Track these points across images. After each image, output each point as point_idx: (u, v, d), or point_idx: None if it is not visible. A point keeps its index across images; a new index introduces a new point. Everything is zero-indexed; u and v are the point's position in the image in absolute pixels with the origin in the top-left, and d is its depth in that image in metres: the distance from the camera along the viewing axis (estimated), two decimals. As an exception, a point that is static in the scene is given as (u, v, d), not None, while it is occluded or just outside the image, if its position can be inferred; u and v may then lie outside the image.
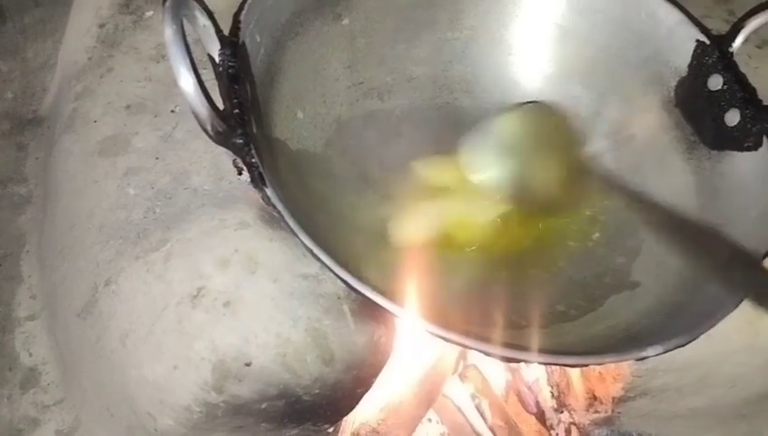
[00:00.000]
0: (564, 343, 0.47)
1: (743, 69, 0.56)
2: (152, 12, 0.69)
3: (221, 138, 0.41)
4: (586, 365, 0.55)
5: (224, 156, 0.56)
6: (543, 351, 0.40)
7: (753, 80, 0.64)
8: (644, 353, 0.41)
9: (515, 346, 0.40)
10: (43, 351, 0.65)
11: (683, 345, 0.42)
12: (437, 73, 0.63)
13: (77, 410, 0.62)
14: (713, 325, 0.43)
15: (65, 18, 0.77)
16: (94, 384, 0.59)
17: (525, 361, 0.40)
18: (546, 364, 0.49)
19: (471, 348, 0.40)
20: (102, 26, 0.69)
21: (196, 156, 0.58)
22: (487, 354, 0.40)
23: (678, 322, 0.45)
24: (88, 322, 0.55)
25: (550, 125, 0.61)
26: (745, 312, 0.53)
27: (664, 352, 0.41)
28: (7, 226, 0.71)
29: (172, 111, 0.62)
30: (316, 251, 0.40)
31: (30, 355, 0.65)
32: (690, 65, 0.56)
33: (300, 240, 0.40)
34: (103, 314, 0.53)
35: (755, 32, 0.54)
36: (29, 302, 0.67)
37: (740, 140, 0.52)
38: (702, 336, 0.48)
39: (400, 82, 0.62)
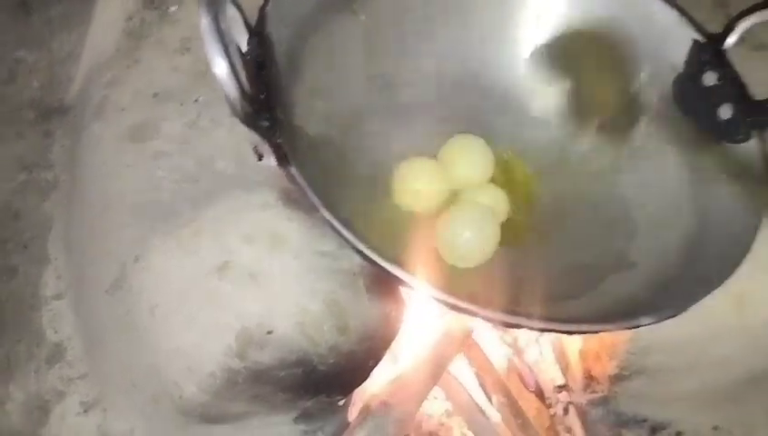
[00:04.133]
0: (567, 317, 0.50)
1: (739, 70, 0.59)
2: (176, 7, 0.73)
3: (249, 120, 0.45)
4: (583, 332, 0.58)
5: (245, 143, 0.59)
6: (543, 317, 0.44)
7: (749, 80, 0.68)
8: (636, 322, 0.44)
9: (516, 312, 0.44)
10: (68, 328, 0.68)
11: (673, 316, 0.45)
12: (451, 70, 0.66)
13: (101, 383, 0.65)
14: (702, 298, 0.46)
15: (88, 11, 0.80)
16: (119, 358, 0.62)
17: (525, 327, 0.44)
18: (544, 331, 0.52)
19: (476, 314, 0.44)
20: (128, 20, 0.72)
21: (220, 143, 0.62)
22: (491, 321, 0.44)
23: (670, 297, 0.48)
24: (117, 298, 0.58)
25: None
26: (733, 293, 0.57)
27: (656, 322, 0.44)
28: (34, 210, 0.74)
29: (196, 100, 0.65)
30: (335, 223, 0.44)
31: (56, 332, 0.68)
32: (686, 62, 0.60)
33: (322, 213, 0.44)
34: (133, 289, 0.56)
35: (752, 34, 0.57)
36: (55, 282, 0.70)
37: (732, 132, 0.56)
38: (693, 317, 0.52)
39: (415, 77, 0.65)
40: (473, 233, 0.54)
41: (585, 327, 0.46)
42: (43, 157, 0.77)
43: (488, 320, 0.45)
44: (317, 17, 0.58)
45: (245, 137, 0.45)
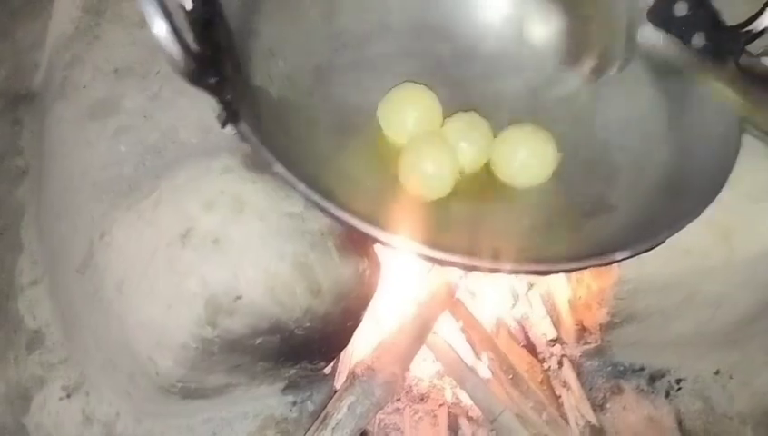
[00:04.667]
0: (552, 257, 0.48)
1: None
2: (133, -20, 0.71)
3: (194, 78, 0.43)
4: (559, 271, 0.56)
5: (208, 112, 0.58)
6: (516, 259, 0.42)
7: (726, 8, 0.65)
8: (611, 257, 0.43)
9: (495, 258, 0.42)
10: (46, 313, 0.67)
11: (649, 249, 0.44)
12: (413, 20, 0.64)
13: (81, 366, 0.64)
14: (680, 229, 0.44)
15: (52, -1, 0.79)
16: (96, 339, 0.61)
17: (505, 271, 0.42)
18: (518, 273, 0.51)
19: (451, 263, 0.42)
20: (86, -4, 0.70)
21: (183, 113, 0.60)
22: (469, 268, 0.42)
23: (649, 234, 0.47)
24: (86, 277, 0.57)
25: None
26: (720, 227, 0.56)
27: (632, 256, 0.43)
28: (6, 198, 0.73)
29: (158, 73, 0.64)
30: (291, 178, 0.42)
31: (34, 318, 0.67)
32: (657, -7, 0.58)
33: (276, 169, 0.42)
34: (100, 266, 0.55)
35: None
36: (31, 269, 0.69)
37: (707, 60, 0.54)
38: (678, 254, 0.50)
39: (378, 30, 0.63)
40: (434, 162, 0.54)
41: (560, 266, 0.45)
42: (12, 145, 0.76)
43: (461, 266, 0.44)
44: (272, -27, 0.56)
45: (209, 105, 0.44)
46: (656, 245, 0.44)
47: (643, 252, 0.43)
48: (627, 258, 0.43)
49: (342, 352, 0.64)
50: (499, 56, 0.64)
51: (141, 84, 0.63)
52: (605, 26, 0.61)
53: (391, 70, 0.62)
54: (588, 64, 0.61)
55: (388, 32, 0.64)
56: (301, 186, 0.43)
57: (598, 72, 0.61)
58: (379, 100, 0.60)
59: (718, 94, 0.54)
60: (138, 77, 0.64)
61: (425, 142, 0.57)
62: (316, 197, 0.43)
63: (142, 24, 0.67)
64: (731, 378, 0.72)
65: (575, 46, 0.62)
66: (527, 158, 0.56)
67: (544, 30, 0.63)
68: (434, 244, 0.42)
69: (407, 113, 0.57)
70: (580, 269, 0.47)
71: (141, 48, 0.66)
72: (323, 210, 0.43)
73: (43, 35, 0.80)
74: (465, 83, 0.62)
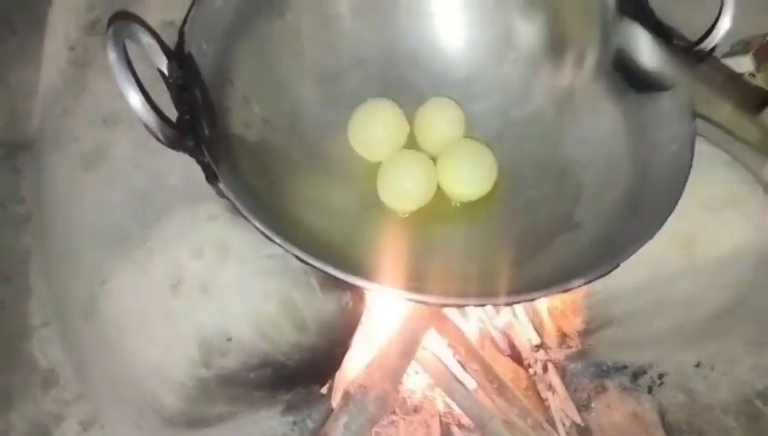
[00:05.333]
0: (511, 286, 0.52)
1: (686, 6, 0.63)
2: (115, 29, 0.74)
3: (174, 143, 0.47)
4: (514, 303, 0.59)
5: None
6: (477, 294, 0.46)
7: (697, 15, 0.68)
8: (568, 285, 0.46)
9: (454, 294, 0.46)
10: (58, 353, 0.71)
11: (605, 274, 0.47)
12: (384, 51, 0.67)
13: (94, 402, 0.68)
14: (631, 255, 0.47)
15: (42, 45, 0.82)
16: (105, 377, 0.65)
17: (460, 306, 0.46)
18: (480, 305, 0.54)
19: (419, 301, 0.46)
20: (72, 49, 0.74)
21: (170, 160, 0.63)
22: (438, 305, 0.46)
23: (609, 254, 0.50)
24: (92, 321, 0.61)
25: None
26: (681, 237, 0.59)
27: (588, 282, 0.46)
28: (13, 244, 0.77)
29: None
30: (268, 232, 0.46)
31: (47, 359, 0.71)
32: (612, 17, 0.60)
33: (253, 224, 0.46)
34: (102, 312, 0.59)
35: None
36: (40, 311, 0.73)
37: (659, 81, 0.57)
38: (642, 264, 0.53)
39: (350, 65, 0.66)
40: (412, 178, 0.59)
41: (521, 297, 0.48)
42: (14, 193, 0.79)
43: (433, 304, 0.47)
44: (242, 26, 0.59)
45: None
46: (610, 271, 0.47)
47: (596, 279, 0.46)
48: (582, 285, 0.46)
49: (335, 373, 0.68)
50: (469, 81, 0.67)
51: (129, 133, 0.66)
52: (580, 24, 0.64)
53: (365, 100, 0.65)
54: (568, 60, 0.64)
55: (360, 65, 0.66)
56: (278, 239, 0.46)
57: (578, 66, 0.63)
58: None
59: (683, 90, 0.56)
60: (126, 126, 0.67)
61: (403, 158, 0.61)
62: (294, 250, 0.45)
63: (127, 72, 0.72)
64: (712, 369, 0.75)
65: (554, 43, 0.65)
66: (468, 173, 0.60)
67: (511, 53, 0.67)
68: (407, 287, 0.45)
69: (375, 129, 0.62)
70: (537, 298, 0.49)
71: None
72: (301, 261, 0.46)
73: (35, 82, 0.83)
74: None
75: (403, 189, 0.59)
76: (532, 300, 0.47)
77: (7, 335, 0.72)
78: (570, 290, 0.46)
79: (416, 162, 0.61)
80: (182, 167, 0.62)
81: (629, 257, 0.48)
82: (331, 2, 0.65)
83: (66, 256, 0.66)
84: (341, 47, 0.66)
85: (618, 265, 0.47)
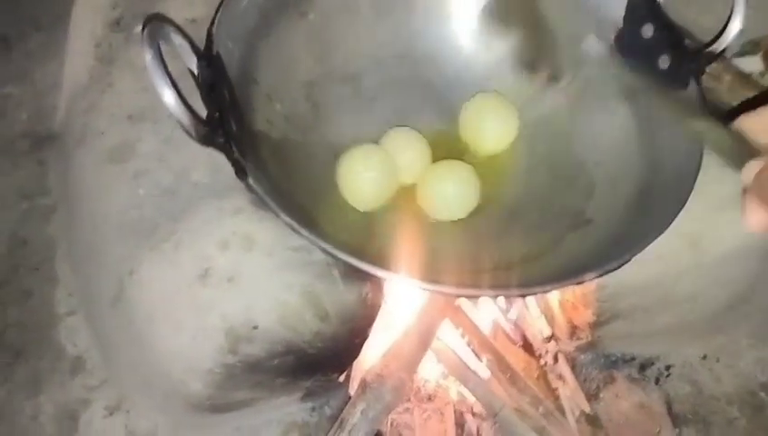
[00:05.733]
0: (526, 280, 0.54)
1: (695, 8, 0.63)
2: (140, 27, 0.76)
3: (205, 139, 0.49)
4: (529, 294, 0.61)
5: (218, 153, 0.64)
6: (494, 286, 0.48)
7: (706, 16, 0.70)
8: (579, 279, 0.48)
9: (469, 285, 0.48)
10: (84, 340, 0.74)
11: (615, 269, 0.48)
12: (401, 52, 0.69)
13: (120, 387, 0.71)
14: (641, 250, 0.49)
15: (65, 40, 0.84)
16: (132, 363, 0.68)
17: (478, 296, 0.48)
18: (496, 296, 0.56)
19: (436, 291, 0.48)
20: (98, 46, 0.76)
21: (194, 155, 0.66)
22: (454, 296, 0.48)
23: (619, 249, 0.52)
24: (119, 310, 0.63)
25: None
26: (689, 235, 0.61)
27: (598, 276, 0.48)
28: (39, 235, 0.79)
29: (169, 116, 0.69)
30: (295, 226, 0.48)
31: (74, 345, 0.74)
32: (625, 17, 0.62)
33: (281, 218, 0.48)
34: (130, 301, 0.61)
35: None
36: (67, 300, 0.76)
37: (671, 81, 0.58)
38: (651, 260, 0.55)
39: (368, 64, 0.68)
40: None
41: (535, 289, 0.50)
42: (40, 185, 0.82)
43: (451, 295, 0.49)
44: (266, 26, 0.60)
45: None
46: (622, 265, 0.49)
47: (610, 272, 0.48)
48: (595, 278, 0.48)
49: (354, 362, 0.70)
50: (484, 81, 0.69)
51: (154, 129, 0.68)
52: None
53: (384, 99, 0.67)
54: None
55: (378, 65, 0.68)
56: (305, 232, 0.48)
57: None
58: (373, 129, 0.64)
59: (676, 115, 0.58)
60: (150, 122, 0.69)
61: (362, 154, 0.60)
62: (320, 243, 0.47)
63: (152, 69, 0.74)
64: (717, 361, 0.78)
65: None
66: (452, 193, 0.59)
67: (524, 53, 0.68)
68: (425, 278, 0.47)
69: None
70: (552, 290, 0.51)
71: (151, 93, 0.70)
72: (325, 252, 0.48)
73: (59, 77, 0.86)
74: (453, 107, 0.67)
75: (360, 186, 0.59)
76: (547, 291, 0.49)
77: (36, 323, 0.75)
78: (583, 283, 0.48)
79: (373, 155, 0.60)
80: (206, 162, 0.65)
81: (640, 252, 0.49)
82: (351, 4, 0.67)
83: (93, 247, 0.68)
84: (360, 47, 0.68)
85: (629, 260, 0.49)
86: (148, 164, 0.66)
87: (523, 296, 0.64)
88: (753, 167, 0.41)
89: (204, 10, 0.74)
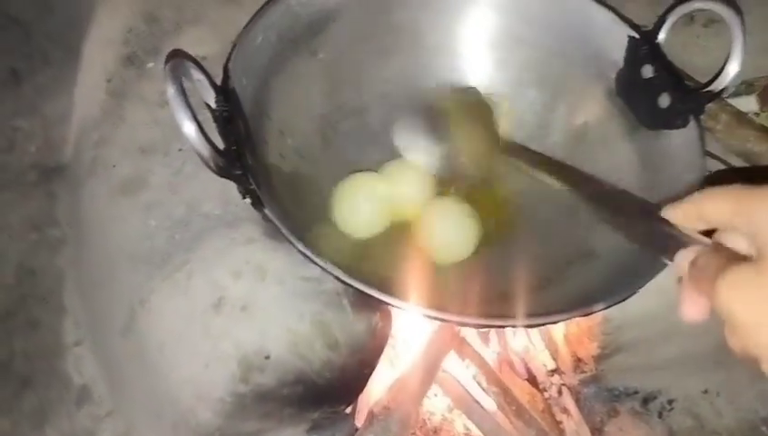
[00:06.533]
0: (530, 311, 0.55)
1: (692, 49, 0.63)
2: (152, 63, 0.78)
3: (222, 171, 0.50)
4: (539, 325, 0.62)
5: (229, 184, 0.65)
6: (504, 317, 0.49)
7: (701, 57, 0.72)
8: (588, 310, 0.49)
9: (480, 316, 0.49)
10: (91, 370, 0.74)
11: (622, 300, 0.50)
12: (407, 87, 0.71)
13: (127, 417, 0.71)
14: (648, 282, 0.50)
15: (74, 74, 0.86)
16: (140, 392, 0.68)
17: (486, 327, 0.49)
18: (504, 327, 0.57)
19: (448, 321, 0.49)
20: (109, 81, 0.77)
21: (205, 186, 0.67)
22: (463, 325, 0.49)
23: (626, 281, 0.53)
24: (129, 339, 0.64)
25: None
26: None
27: (607, 307, 0.49)
28: (48, 265, 0.80)
29: (180, 149, 0.70)
30: (310, 255, 0.49)
31: (81, 375, 0.74)
32: (625, 58, 0.64)
33: (296, 247, 0.49)
34: (141, 330, 0.62)
35: (701, 12, 0.61)
36: (74, 330, 0.76)
37: (671, 120, 0.61)
38: (654, 293, 0.56)
39: (374, 100, 0.70)
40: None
41: (542, 320, 0.50)
42: (49, 216, 0.83)
43: (463, 325, 0.50)
44: (278, 63, 0.62)
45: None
46: (629, 296, 0.50)
47: (617, 303, 0.50)
48: (603, 309, 0.49)
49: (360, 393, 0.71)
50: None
51: (164, 161, 0.70)
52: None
53: (390, 131, 0.69)
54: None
55: (385, 100, 0.70)
56: (320, 262, 0.49)
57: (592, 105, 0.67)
58: (380, 160, 0.66)
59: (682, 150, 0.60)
60: (161, 154, 0.70)
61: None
62: (335, 272, 0.48)
63: (162, 103, 0.76)
64: (718, 395, 0.78)
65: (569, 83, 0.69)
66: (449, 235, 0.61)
67: (529, 91, 0.70)
68: (435, 307, 0.49)
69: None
70: (559, 321, 0.52)
71: (162, 127, 0.73)
72: (338, 279, 0.49)
73: (68, 110, 0.87)
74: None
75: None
76: (556, 322, 0.50)
77: (43, 352, 0.75)
78: (591, 314, 0.49)
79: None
80: (217, 194, 0.66)
81: (647, 283, 0.51)
82: (359, 43, 0.69)
83: (103, 277, 0.69)
84: (367, 84, 0.70)
85: (637, 291, 0.51)
86: (159, 196, 0.67)
87: (532, 327, 0.65)
88: (685, 257, 0.42)
89: (215, 47, 0.76)
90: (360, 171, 0.65)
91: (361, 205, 0.60)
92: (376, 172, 0.63)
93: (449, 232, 0.61)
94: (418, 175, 0.63)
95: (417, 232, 0.61)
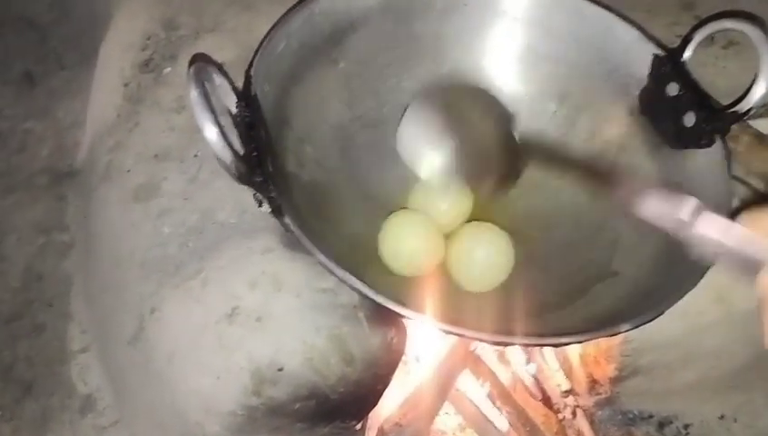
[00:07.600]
0: (553, 330, 0.54)
1: (711, 69, 0.62)
2: (169, 68, 0.77)
3: (243, 178, 0.49)
4: (565, 344, 0.61)
5: (245, 192, 0.64)
6: (527, 334, 0.47)
7: (721, 78, 0.71)
8: (616, 329, 0.48)
9: (503, 332, 0.47)
10: (96, 379, 0.73)
11: (649, 321, 0.48)
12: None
13: (132, 428, 0.70)
14: (675, 303, 0.49)
15: (89, 79, 0.85)
16: (146, 403, 0.66)
17: (510, 344, 0.47)
18: (528, 346, 0.56)
19: (466, 337, 0.48)
20: (126, 85, 0.77)
21: (220, 194, 0.66)
22: (481, 341, 0.47)
23: (650, 303, 0.52)
24: (138, 348, 0.63)
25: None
26: (715, 288, 0.61)
27: (633, 328, 0.48)
28: (55, 270, 0.79)
29: (195, 155, 0.70)
30: (330, 266, 0.48)
31: (85, 384, 0.72)
32: (649, 75, 0.63)
33: (317, 257, 0.48)
34: (151, 339, 0.60)
35: (721, 33, 0.61)
36: (80, 337, 0.75)
37: (696, 139, 0.60)
38: (677, 315, 0.55)
39: (394, 111, 0.69)
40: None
41: (567, 339, 0.49)
42: (58, 220, 0.82)
43: (477, 340, 0.49)
44: (299, 71, 0.62)
45: (244, 187, 0.49)
46: (655, 318, 0.49)
47: (643, 324, 0.48)
48: (629, 330, 0.48)
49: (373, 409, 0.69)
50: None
51: (179, 168, 0.69)
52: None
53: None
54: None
55: (404, 110, 0.69)
56: (339, 272, 0.48)
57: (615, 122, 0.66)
58: (397, 173, 0.65)
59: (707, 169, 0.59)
60: (176, 161, 0.69)
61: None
62: (354, 283, 0.47)
63: (179, 109, 0.75)
64: (735, 421, 0.77)
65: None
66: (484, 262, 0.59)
67: (550, 106, 0.70)
68: (453, 322, 0.47)
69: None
70: (584, 341, 0.51)
71: (178, 133, 0.72)
72: (357, 291, 0.48)
73: (82, 115, 0.87)
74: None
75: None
76: (577, 342, 0.49)
77: (47, 358, 0.74)
78: (615, 334, 0.48)
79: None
80: (232, 202, 0.65)
81: (673, 305, 0.50)
82: (381, 54, 0.68)
83: (112, 284, 0.68)
84: (387, 95, 0.69)
85: (662, 313, 0.49)
86: (174, 203, 0.66)
87: (553, 346, 0.63)
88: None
89: (234, 53, 0.75)
90: (379, 182, 0.64)
91: (415, 248, 0.59)
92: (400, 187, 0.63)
93: (483, 266, 0.59)
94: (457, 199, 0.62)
95: (449, 263, 0.59)
